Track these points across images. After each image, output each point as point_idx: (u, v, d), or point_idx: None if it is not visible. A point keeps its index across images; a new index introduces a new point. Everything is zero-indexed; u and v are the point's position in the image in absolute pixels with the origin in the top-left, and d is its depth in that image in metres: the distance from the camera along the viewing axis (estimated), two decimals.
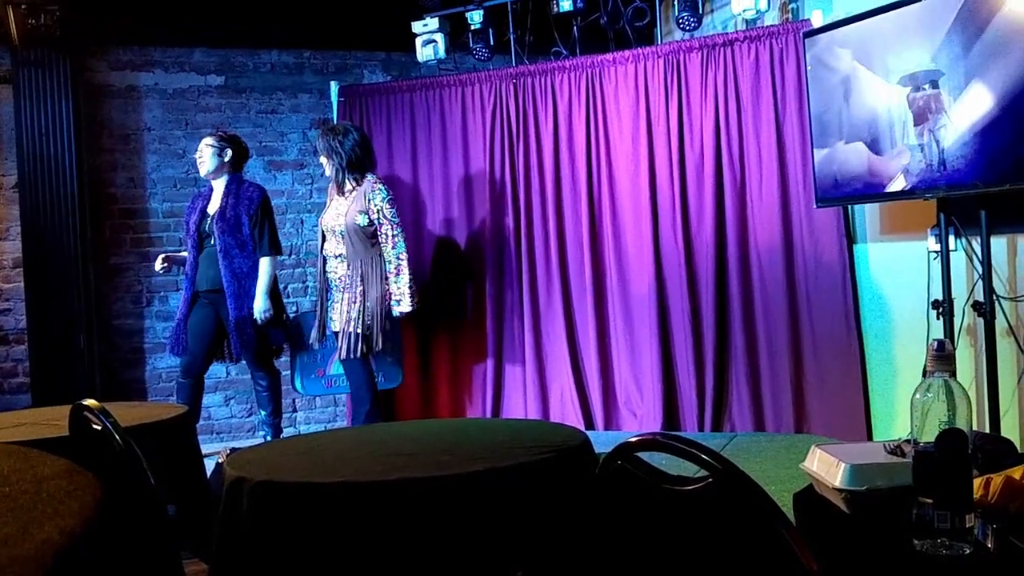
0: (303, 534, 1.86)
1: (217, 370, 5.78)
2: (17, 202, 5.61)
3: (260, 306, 4.73)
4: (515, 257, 5.53)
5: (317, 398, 6.20)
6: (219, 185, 4.83)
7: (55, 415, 2.86)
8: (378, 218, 4.58)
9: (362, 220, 4.58)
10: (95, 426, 1.88)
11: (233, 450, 2.88)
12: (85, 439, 1.95)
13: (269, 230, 4.81)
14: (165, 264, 4.89)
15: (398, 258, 4.60)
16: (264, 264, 4.76)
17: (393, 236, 4.59)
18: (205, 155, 4.80)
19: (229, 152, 4.80)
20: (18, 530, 0.78)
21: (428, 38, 5.59)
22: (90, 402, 1.92)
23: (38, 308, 5.58)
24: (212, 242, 4.75)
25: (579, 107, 5.38)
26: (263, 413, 4.99)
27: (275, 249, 4.87)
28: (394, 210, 4.62)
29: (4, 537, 0.76)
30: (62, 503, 0.85)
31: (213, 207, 4.80)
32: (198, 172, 4.96)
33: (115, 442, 1.78)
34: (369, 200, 4.59)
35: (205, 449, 3.55)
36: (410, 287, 4.61)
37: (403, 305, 4.61)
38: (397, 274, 4.60)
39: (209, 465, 3.49)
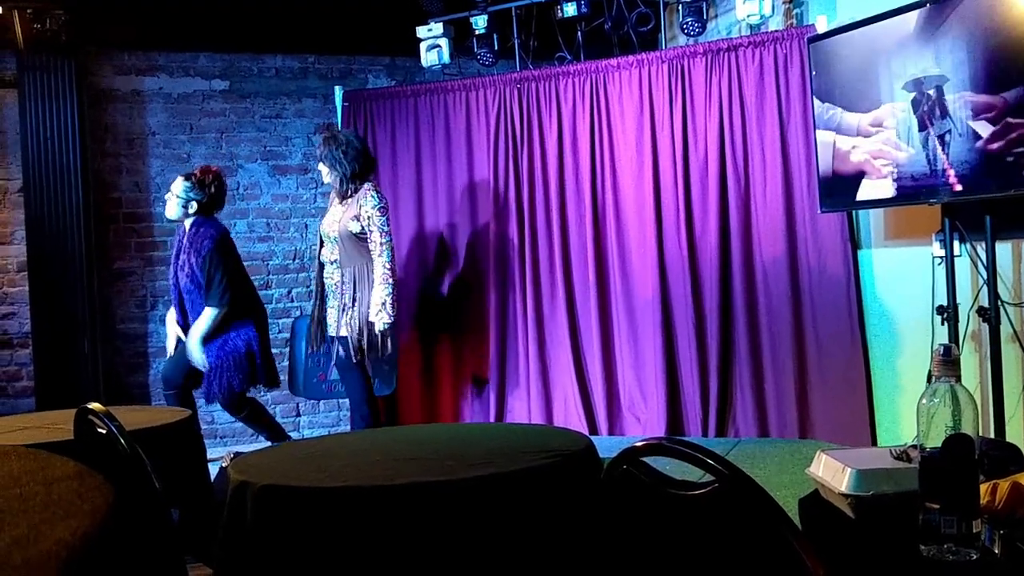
0: (308, 539, 1.86)
1: None
2: (22, 206, 5.63)
3: (196, 357, 4.58)
4: (518, 261, 5.52)
5: (321, 402, 6.20)
6: (186, 226, 4.70)
7: (59, 419, 2.85)
8: (368, 225, 4.51)
9: (354, 227, 4.52)
10: (100, 430, 1.88)
11: (237, 454, 2.87)
12: (90, 443, 1.95)
13: (218, 280, 4.57)
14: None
15: (384, 267, 4.49)
16: (206, 313, 4.57)
17: (381, 244, 4.50)
18: (172, 203, 4.64)
19: (195, 205, 4.62)
20: (30, 531, 0.78)
21: (432, 43, 5.59)
22: (95, 406, 1.92)
23: (42, 312, 5.59)
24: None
25: (583, 112, 5.38)
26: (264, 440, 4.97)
27: (221, 302, 4.57)
28: (384, 218, 4.52)
29: (16, 538, 0.76)
30: (73, 505, 0.86)
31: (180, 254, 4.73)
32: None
33: (120, 446, 1.78)
34: (361, 206, 4.53)
35: (209, 453, 3.55)
36: (390, 298, 4.48)
37: (381, 316, 4.47)
38: (381, 284, 4.48)
39: (213, 469, 3.49)
